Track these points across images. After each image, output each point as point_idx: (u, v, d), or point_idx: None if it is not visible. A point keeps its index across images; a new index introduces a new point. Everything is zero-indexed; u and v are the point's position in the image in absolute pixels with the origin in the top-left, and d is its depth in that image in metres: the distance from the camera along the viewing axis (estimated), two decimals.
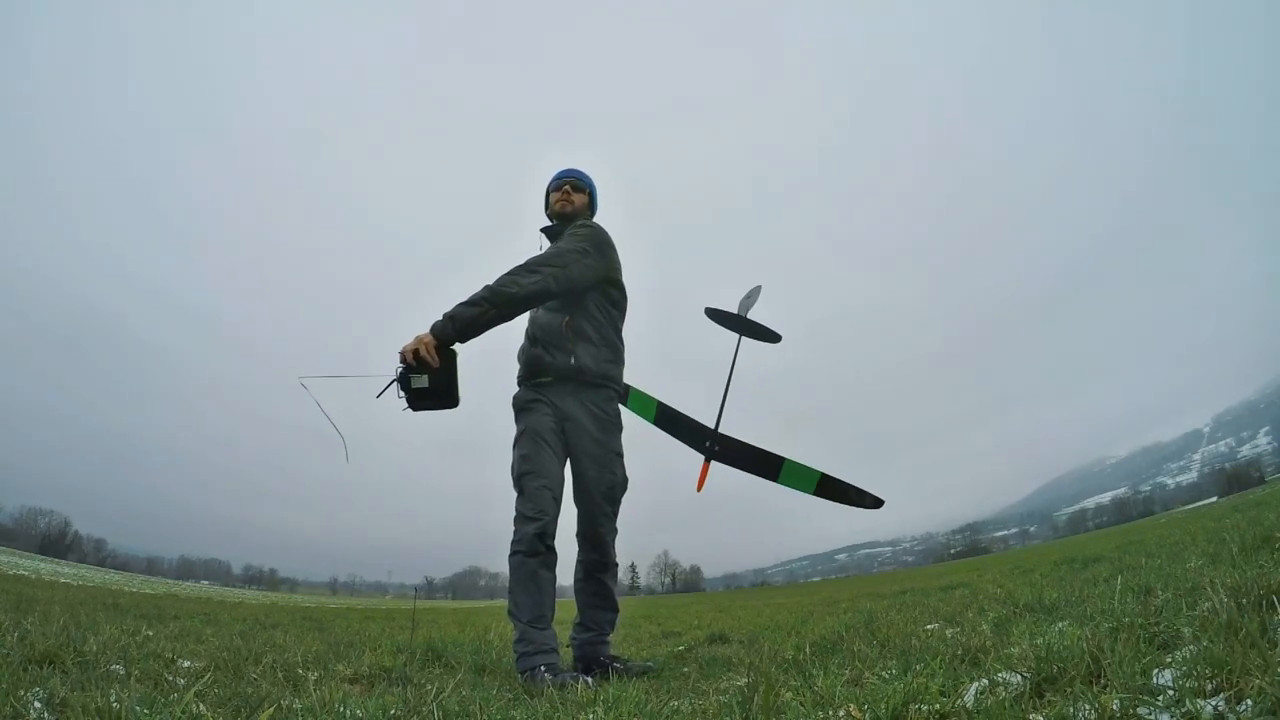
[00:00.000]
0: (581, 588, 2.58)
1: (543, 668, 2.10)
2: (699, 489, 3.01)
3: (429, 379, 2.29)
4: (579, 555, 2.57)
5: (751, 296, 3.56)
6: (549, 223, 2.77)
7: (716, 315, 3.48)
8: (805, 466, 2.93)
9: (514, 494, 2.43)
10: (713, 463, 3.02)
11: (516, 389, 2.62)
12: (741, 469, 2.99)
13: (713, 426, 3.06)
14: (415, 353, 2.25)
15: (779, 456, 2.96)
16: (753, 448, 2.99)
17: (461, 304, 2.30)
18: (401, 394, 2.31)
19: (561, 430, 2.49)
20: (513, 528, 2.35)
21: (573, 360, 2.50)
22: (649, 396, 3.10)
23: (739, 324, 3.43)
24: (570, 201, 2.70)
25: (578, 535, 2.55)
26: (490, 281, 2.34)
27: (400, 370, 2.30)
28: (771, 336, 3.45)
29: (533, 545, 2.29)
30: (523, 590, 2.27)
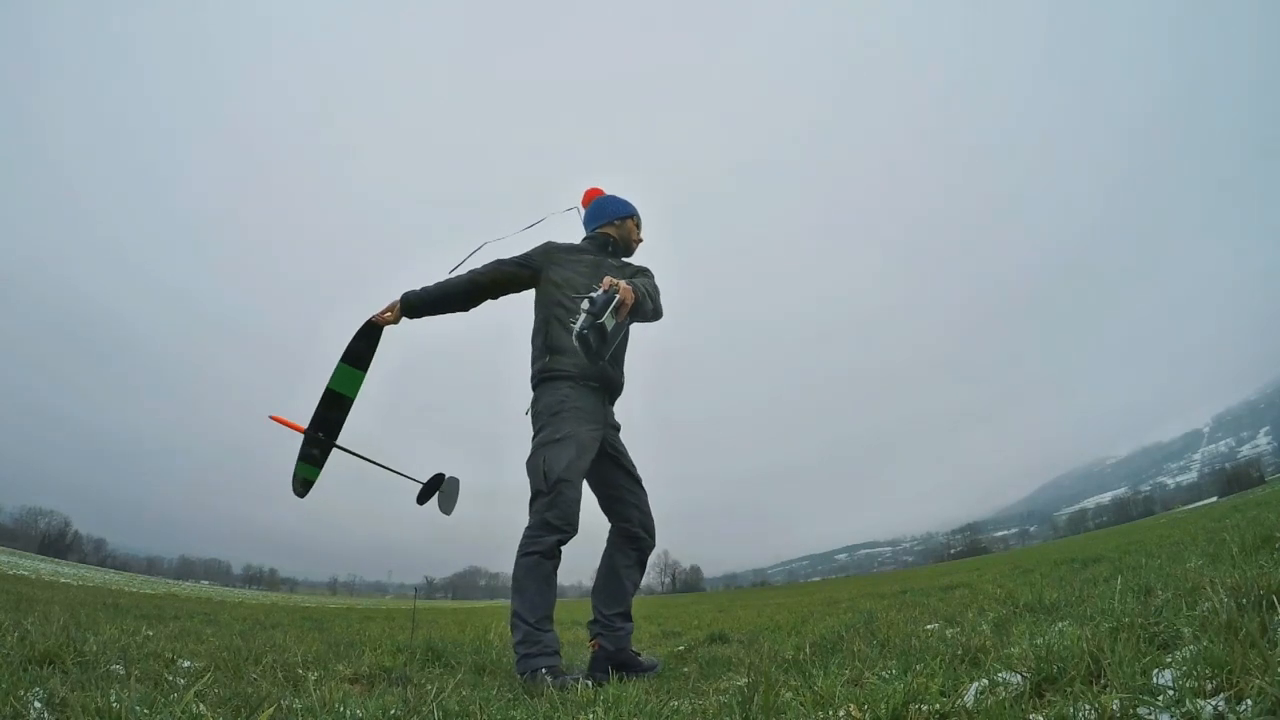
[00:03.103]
0: (633, 577, 2.56)
1: (544, 669, 2.10)
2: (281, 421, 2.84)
3: (613, 326, 2.20)
4: (637, 545, 2.56)
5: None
6: (609, 235, 2.77)
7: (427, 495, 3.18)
8: (336, 370, 2.74)
9: (531, 489, 2.36)
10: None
11: (553, 378, 2.51)
12: (337, 443, 2.84)
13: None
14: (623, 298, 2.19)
15: (327, 389, 2.76)
16: (314, 421, 2.79)
17: (646, 287, 2.41)
18: (591, 315, 2.16)
19: (600, 440, 2.50)
20: (531, 529, 2.31)
21: (622, 379, 2.68)
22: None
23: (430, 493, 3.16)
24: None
25: (639, 527, 2.56)
26: (638, 283, 2.38)
27: (613, 300, 2.16)
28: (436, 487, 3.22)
29: (552, 552, 2.30)
30: (536, 592, 2.26)
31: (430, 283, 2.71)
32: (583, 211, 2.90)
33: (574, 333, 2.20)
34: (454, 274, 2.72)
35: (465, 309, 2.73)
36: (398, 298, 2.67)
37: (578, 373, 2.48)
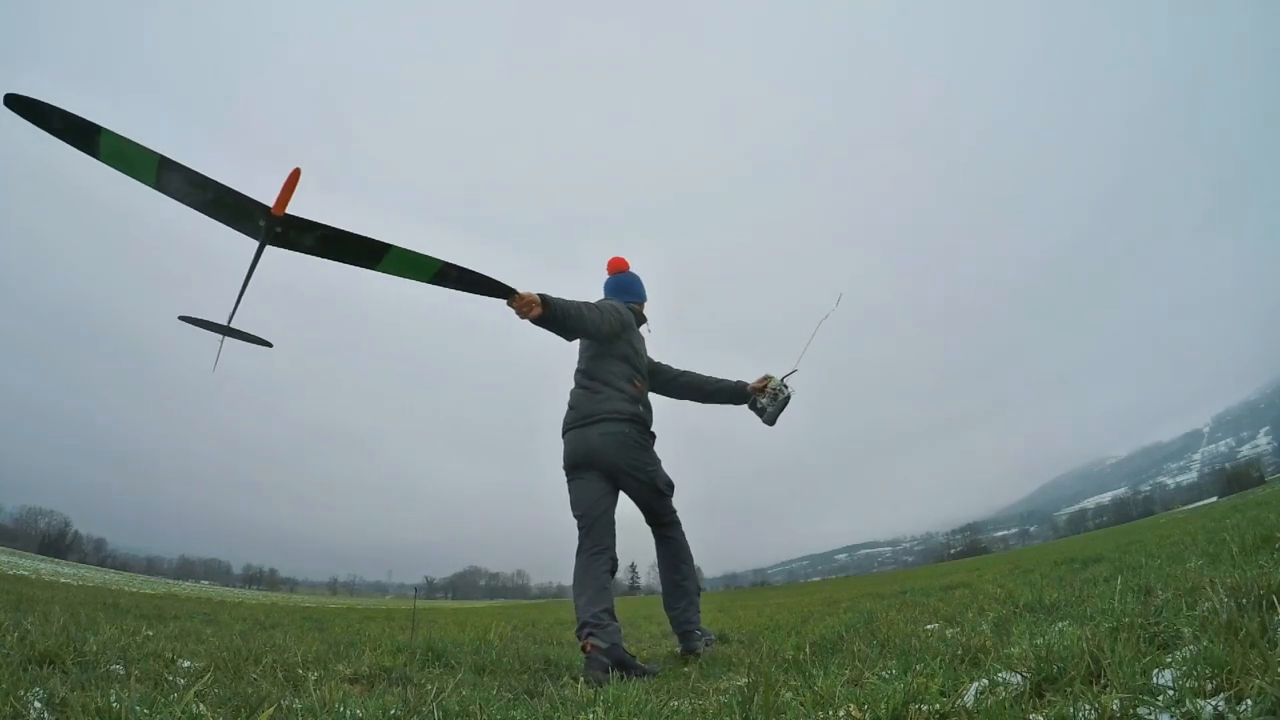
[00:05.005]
0: (609, 583, 2.72)
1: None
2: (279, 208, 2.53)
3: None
4: (609, 557, 2.74)
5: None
6: (639, 312, 3.15)
7: (195, 322, 3.53)
8: (420, 255, 2.55)
9: (668, 491, 2.93)
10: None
11: (638, 425, 2.87)
12: (329, 257, 2.59)
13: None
14: None
15: (383, 244, 2.53)
16: (343, 233, 2.53)
17: None
18: (781, 403, 3.11)
19: None
20: (679, 520, 2.99)
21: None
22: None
23: (222, 330, 3.50)
24: None
25: (614, 551, 2.77)
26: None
27: (788, 397, 3.11)
28: (262, 342, 3.68)
29: None
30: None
31: (568, 298, 2.58)
32: (606, 275, 3.22)
33: (780, 401, 3.11)
34: (593, 301, 2.82)
35: (570, 339, 2.73)
36: (535, 295, 2.46)
37: (649, 420, 2.96)
